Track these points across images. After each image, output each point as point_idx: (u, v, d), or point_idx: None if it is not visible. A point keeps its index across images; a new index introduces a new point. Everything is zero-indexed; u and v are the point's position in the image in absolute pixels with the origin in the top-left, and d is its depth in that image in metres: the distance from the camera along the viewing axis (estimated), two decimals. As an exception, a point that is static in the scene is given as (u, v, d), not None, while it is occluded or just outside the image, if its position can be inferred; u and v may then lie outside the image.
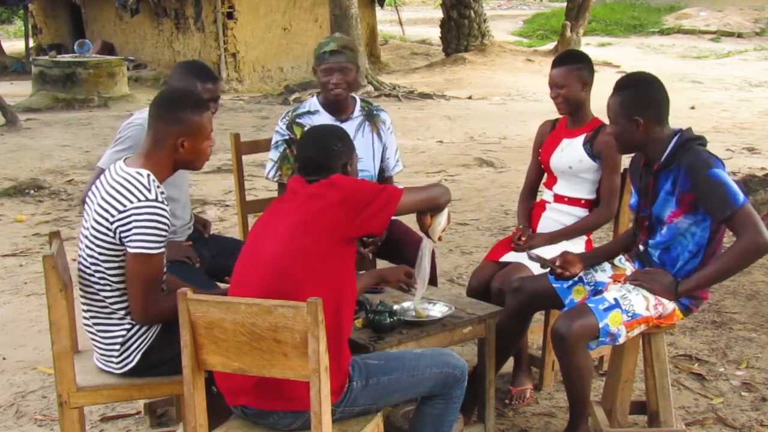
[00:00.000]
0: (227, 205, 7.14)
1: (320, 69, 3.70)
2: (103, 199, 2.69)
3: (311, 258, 2.46)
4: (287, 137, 3.78)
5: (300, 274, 2.45)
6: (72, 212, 6.95)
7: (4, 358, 4.23)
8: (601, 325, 2.91)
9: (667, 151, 2.95)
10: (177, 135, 2.73)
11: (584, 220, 3.65)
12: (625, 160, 3.66)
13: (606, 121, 3.66)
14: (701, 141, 2.98)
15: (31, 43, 19.91)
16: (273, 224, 2.60)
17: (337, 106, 3.78)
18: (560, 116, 3.80)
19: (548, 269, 3.19)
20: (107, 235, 2.66)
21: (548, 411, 3.60)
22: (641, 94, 2.97)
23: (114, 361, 2.77)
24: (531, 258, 3.28)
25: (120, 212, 2.63)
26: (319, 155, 2.69)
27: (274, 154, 3.81)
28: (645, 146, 2.99)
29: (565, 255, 3.19)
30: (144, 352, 2.75)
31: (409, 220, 3.40)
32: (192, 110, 2.76)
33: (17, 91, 14.56)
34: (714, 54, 18.95)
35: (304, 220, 2.51)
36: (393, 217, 3.50)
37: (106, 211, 2.66)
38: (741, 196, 2.83)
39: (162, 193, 2.70)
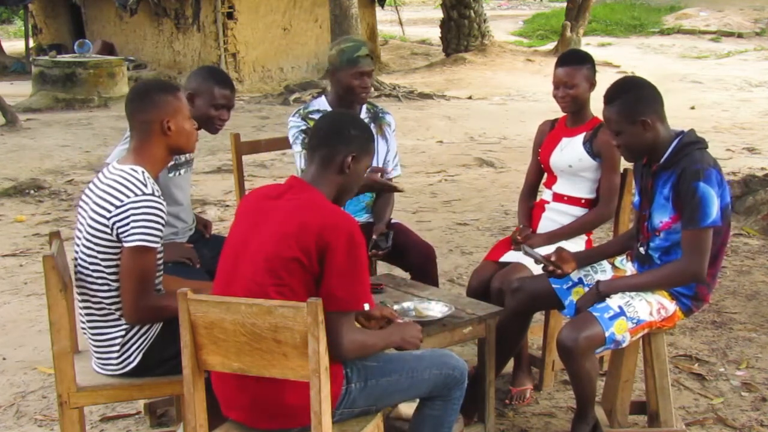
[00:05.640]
0: (227, 205, 7.14)
1: (350, 73, 3.63)
2: (99, 197, 2.69)
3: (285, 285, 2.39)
4: (303, 127, 3.74)
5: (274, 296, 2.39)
6: (72, 212, 6.94)
7: (4, 358, 4.23)
8: (607, 334, 2.91)
9: (667, 154, 2.94)
10: (159, 118, 2.74)
11: (583, 218, 3.65)
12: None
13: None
14: (701, 145, 2.95)
15: (31, 43, 19.90)
16: (265, 224, 2.49)
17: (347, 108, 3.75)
18: (559, 116, 3.80)
19: (543, 266, 3.19)
20: (105, 232, 2.66)
21: (548, 411, 3.60)
22: (637, 95, 2.93)
23: (113, 363, 2.77)
24: (526, 253, 3.27)
25: (117, 207, 2.63)
26: (331, 128, 2.60)
27: (297, 147, 3.77)
28: (653, 146, 2.95)
29: (559, 252, 3.19)
30: (144, 352, 2.75)
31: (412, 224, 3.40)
32: (164, 92, 2.78)
33: (17, 91, 14.56)
34: (714, 54, 18.94)
35: (288, 243, 2.39)
36: (394, 222, 3.52)
37: (103, 208, 2.66)
38: (710, 218, 2.82)
39: (158, 189, 2.70)
